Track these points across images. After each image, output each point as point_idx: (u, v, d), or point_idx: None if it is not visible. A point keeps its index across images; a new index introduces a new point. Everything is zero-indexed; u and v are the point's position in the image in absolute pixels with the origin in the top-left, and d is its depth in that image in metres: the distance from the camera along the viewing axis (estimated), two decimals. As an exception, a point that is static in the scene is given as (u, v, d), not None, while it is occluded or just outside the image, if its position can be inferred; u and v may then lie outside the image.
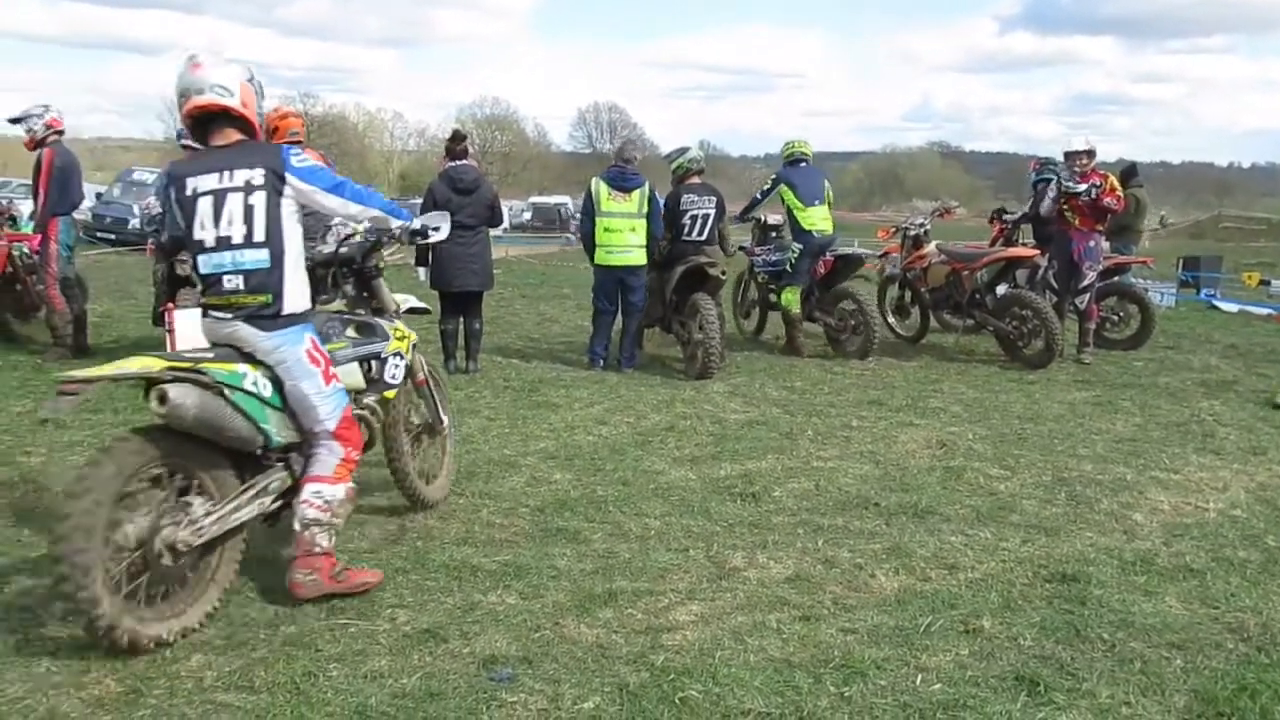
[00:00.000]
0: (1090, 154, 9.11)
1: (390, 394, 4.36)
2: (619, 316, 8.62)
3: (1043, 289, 9.47)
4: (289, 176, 3.71)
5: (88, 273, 10.05)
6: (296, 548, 3.73)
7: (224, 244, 3.63)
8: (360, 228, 4.45)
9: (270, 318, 3.67)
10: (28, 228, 9.03)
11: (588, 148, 75.84)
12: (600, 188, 8.35)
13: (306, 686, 3.12)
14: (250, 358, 3.65)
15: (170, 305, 7.25)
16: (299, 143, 7.80)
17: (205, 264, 3.67)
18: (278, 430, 3.68)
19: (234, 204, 3.62)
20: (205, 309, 3.76)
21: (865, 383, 8.19)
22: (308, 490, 3.72)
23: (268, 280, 3.65)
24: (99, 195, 24.59)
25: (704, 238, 8.53)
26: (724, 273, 8.60)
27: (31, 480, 5.10)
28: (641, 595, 3.84)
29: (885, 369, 8.83)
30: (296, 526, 3.72)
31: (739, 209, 10.15)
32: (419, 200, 11.10)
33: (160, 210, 8.03)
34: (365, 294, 4.45)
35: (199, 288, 3.78)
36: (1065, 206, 9.17)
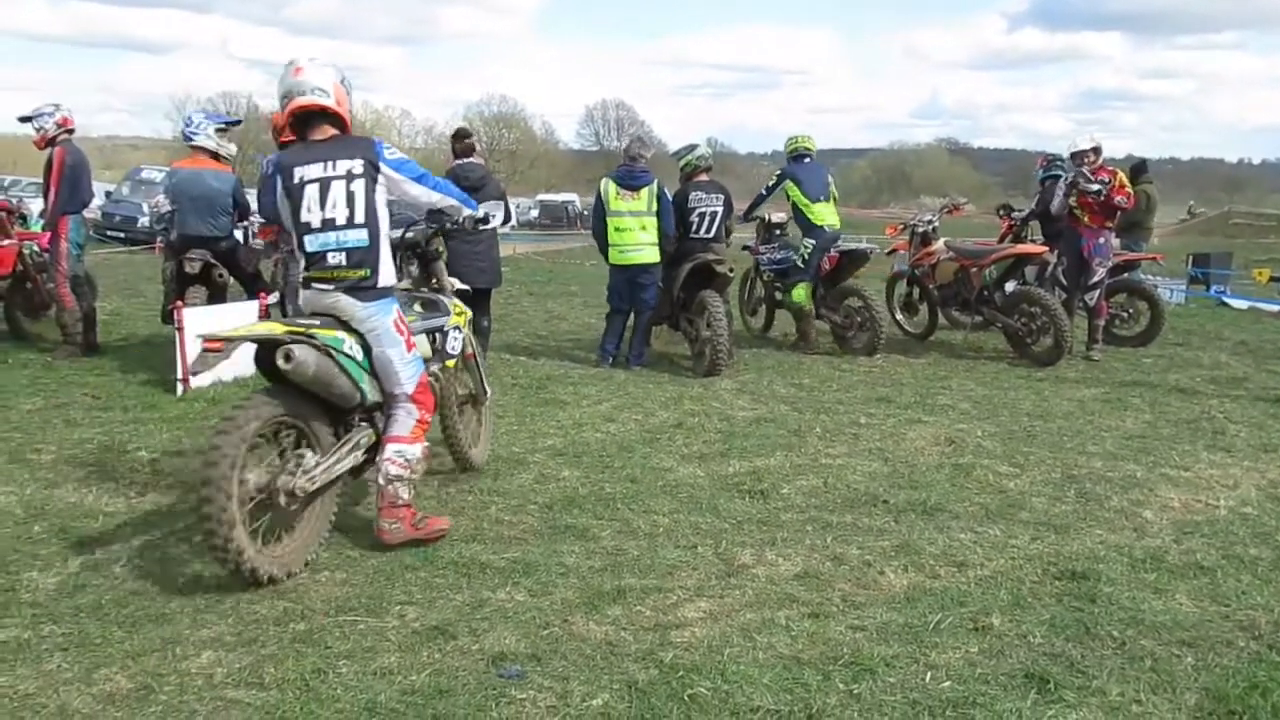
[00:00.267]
0: (1097, 151, 9.09)
1: (451, 364, 4.89)
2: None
3: (1052, 286, 9.45)
4: (383, 166, 4.22)
5: (97, 271, 10.08)
6: (381, 500, 4.20)
7: (329, 225, 4.12)
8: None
9: (367, 289, 4.16)
10: (38, 226, 9.06)
11: (595, 145, 75.94)
12: (609, 187, 8.35)
13: (316, 683, 3.13)
14: (346, 326, 4.13)
15: (179, 303, 7.28)
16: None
17: (311, 243, 4.14)
18: (370, 391, 4.19)
19: (337, 190, 4.11)
20: (308, 282, 4.20)
21: (873, 380, 8.18)
22: (390, 449, 4.21)
23: (366, 256, 4.14)
24: (108, 194, 24.70)
25: (711, 235, 8.52)
26: (732, 270, 8.59)
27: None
28: (650, 592, 3.84)
29: (893, 366, 8.82)
30: (380, 482, 4.19)
31: (745, 206, 10.15)
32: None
33: (169, 209, 8.05)
34: (427, 274, 4.98)
35: (302, 264, 4.22)
36: (1075, 204, 9.14)
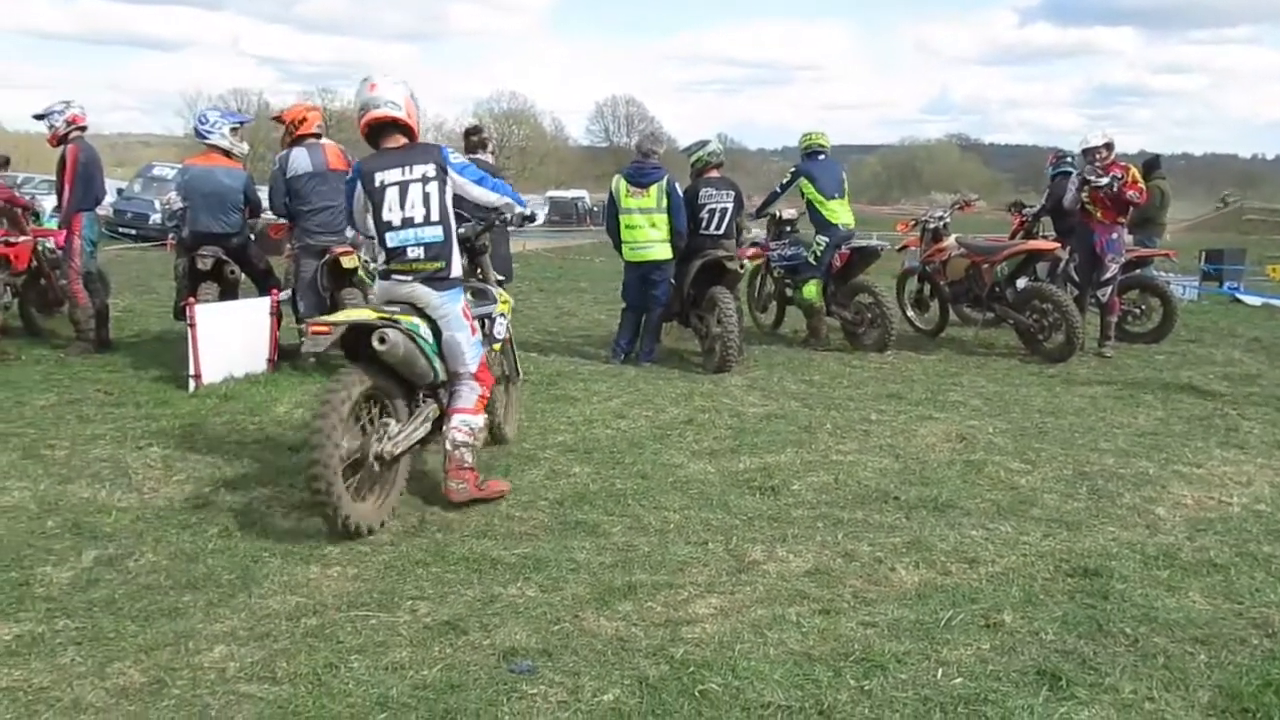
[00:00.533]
0: (1109, 147, 9.05)
1: (498, 346, 5.39)
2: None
3: (1064, 282, 9.41)
4: (450, 171, 4.74)
5: (109, 267, 10.15)
6: (449, 463, 4.67)
7: (408, 223, 4.63)
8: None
9: (441, 280, 4.69)
10: (51, 223, 9.11)
11: (605, 142, 75.81)
12: (620, 184, 8.34)
13: (328, 678, 3.14)
14: (419, 312, 4.64)
15: (191, 300, 7.31)
16: (319, 135, 7.88)
17: (392, 239, 4.64)
18: (440, 369, 4.71)
19: (415, 193, 4.62)
20: (387, 274, 4.71)
21: (884, 376, 8.16)
22: (456, 419, 4.70)
23: (441, 250, 4.67)
24: (120, 191, 24.79)
25: (721, 231, 8.50)
26: (742, 266, 8.58)
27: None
28: (661, 588, 3.85)
29: (904, 362, 8.79)
30: (448, 447, 4.67)
31: (758, 202, 10.13)
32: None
33: (181, 205, 8.08)
34: (474, 266, 5.39)
35: (383, 258, 4.71)
36: (1087, 199, 9.10)
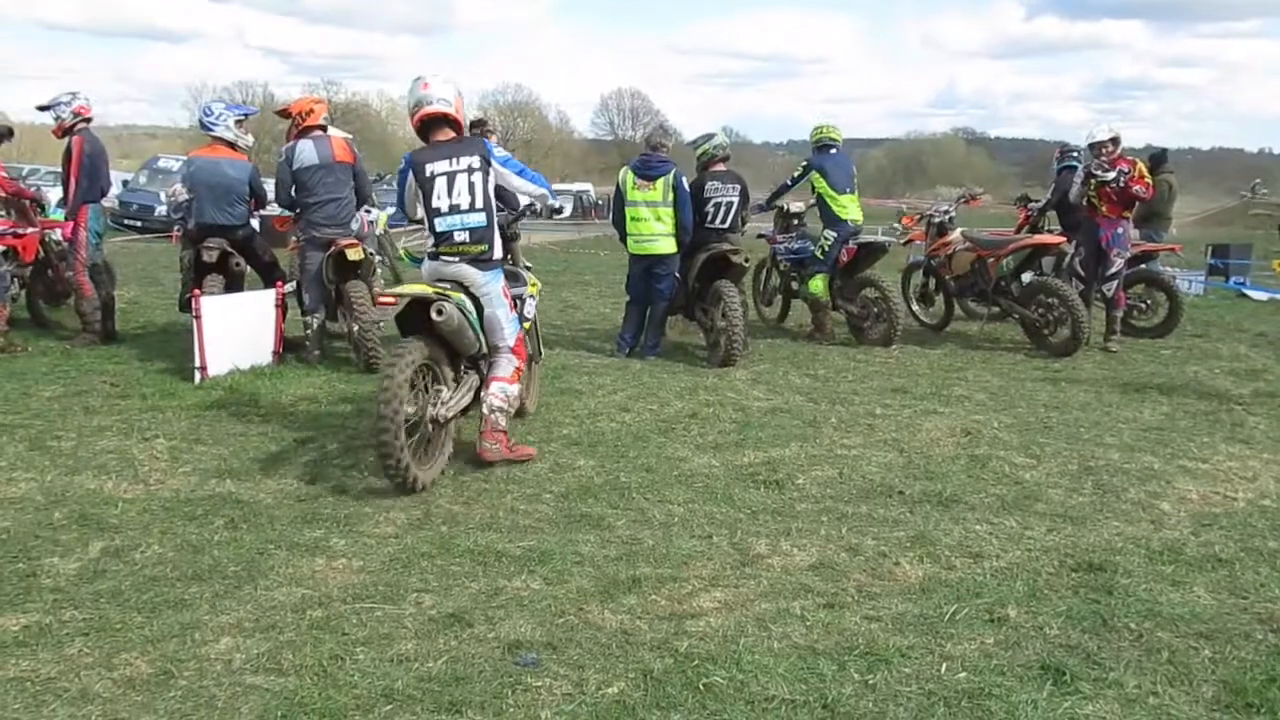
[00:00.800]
0: (1115, 141, 9.01)
1: (527, 325, 5.80)
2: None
3: (1069, 276, 9.38)
4: (493, 162, 5.23)
5: (115, 259, 10.15)
6: (485, 425, 5.18)
7: (455, 210, 5.12)
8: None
9: (485, 261, 5.21)
10: (56, 214, 9.12)
11: (610, 135, 75.68)
12: (627, 177, 8.33)
13: (334, 669, 3.15)
14: (464, 290, 5.13)
15: (197, 292, 7.32)
16: (324, 127, 7.88)
17: (441, 224, 5.14)
18: (483, 343, 5.24)
19: (461, 182, 5.11)
20: (436, 255, 5.21)
21: (889, 370, 8.16)
22: (494, 386, 5.24)
23: (485, 234, 5.18)
24: (125, 183, 24.79)
25: (727, 225, 8.49)
26: (747, 260, 8.57)
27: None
28: (665, 582, 3.85)
29: (909, 357, 8.79)
30: (485, 411, 5.20)
31: (766, 195, 10.10)
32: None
33: (187, 197, 8.09)
34: (505, 252, 5.70)
35: (431, 241, 5.21)
36: (1093, 194, 9.07)
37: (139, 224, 23.08)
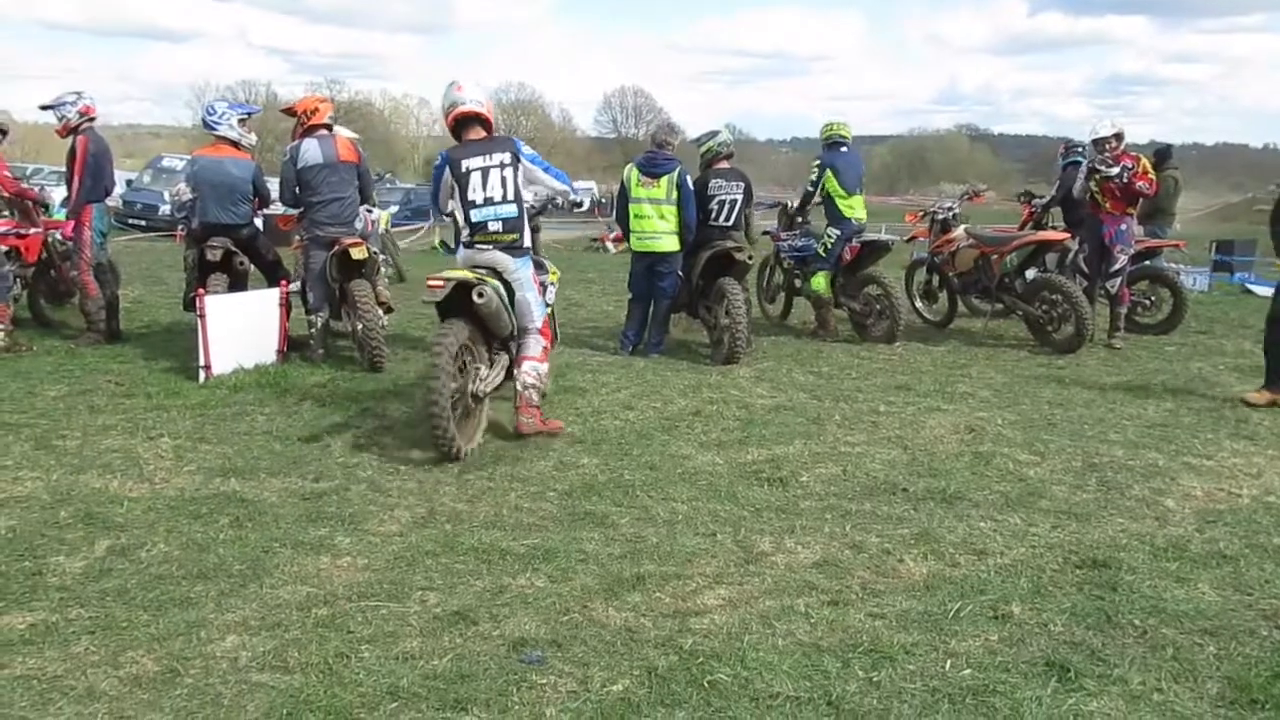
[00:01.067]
0: (1119, 137, 8.99)
1: (549, 310, 6.18)
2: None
3: (1073, 273, 9.37)
4: (522, 159, 5.69)
5: (119, 258, 10.16)
6: (519, 401, 5.67)
7: (489, 202, 5.58)
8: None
9: (516, 248, 5.68)
10: (60, 214, 9.14)
11: (613, 133, 75.66)
12: (632, 174, 8.33)
13: (339, 667, 3.16)
14: (497, 275, 5.58)
15: (201, 291, 7.33)
16: (330, 126, 7.90)
17: (476, 215, 5.59)
18: (514, 325, 5.69)
19: (494, 177, 5.57)
20: (471, 243, 5.65)
21: (893, 368, 8.15)
22: (526, 365, 5.73)
23: (516, 224, 5.64)
24: (129, 182, 24.84)
25: (730, 223, 8.48)
26: (750, 257, 8.56)
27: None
28: (669, 579, 3.86)
29: (913, 354, 8.78)
30: (519, 388, 5.68)
31: (765, 195, 10.08)
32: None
33: (191, 197, 8.10)
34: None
35: (467, 231, 5.63)
36: (1096, 189, 9.06)
37: (143, 223, 23.15)
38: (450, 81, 5.72)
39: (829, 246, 9.19)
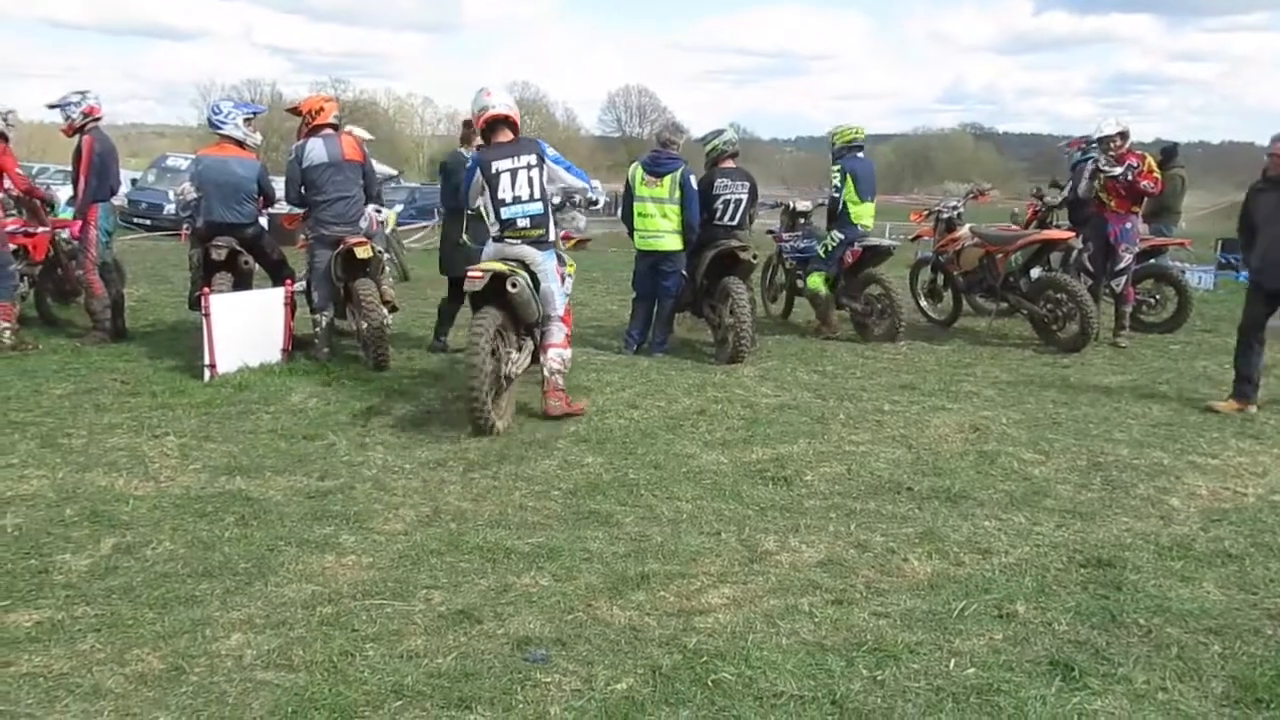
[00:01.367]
0: (1124, 135, 8.97)
1: (567, 300, 6.53)
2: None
3: (1078, 272, 9.36)
4: (546, 159, 6.13)
5: (124, 258, 10.19)
6: (546, 386, 6.19)
7: (518, 200, 6.03)
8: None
9: (542, 243, 6.14)
10: (65, 213, 9.15)
11: (617, 132, 75.66)
12: (636, 172, 8.33)
13: (344, 665, 3.16)
14: (524, 267, 5.99)
15: (206, 290, 7.34)
16: (336, 126, 7.91)
17: (505, 212, 6.04)
18: (541, 312, 6.13)
19: (522, 177, 6.02)
20: (500, 238, 6.10)
21: (897, 367, 8.14)
22: (551, 352, 6.22)
23: (541, 220, 6.11)
24: (134, 181, 24.85)
25: (735, 222, 8.48)
26: (755, 256, 8.55)
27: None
28: (674, 578, 3.86)
29: (917, 353, 8.77)
30: (546, 373, 6.19)
31: (768, 194, 10.07)
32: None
33: (196, 196, 8.11)
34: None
35: (497, 227, 6.09)
36: (1100, 188, 9.04)
37: (148, 222, 23.15)
38: (480, 88, 6.22)
39: (830, 249, 9.18)
